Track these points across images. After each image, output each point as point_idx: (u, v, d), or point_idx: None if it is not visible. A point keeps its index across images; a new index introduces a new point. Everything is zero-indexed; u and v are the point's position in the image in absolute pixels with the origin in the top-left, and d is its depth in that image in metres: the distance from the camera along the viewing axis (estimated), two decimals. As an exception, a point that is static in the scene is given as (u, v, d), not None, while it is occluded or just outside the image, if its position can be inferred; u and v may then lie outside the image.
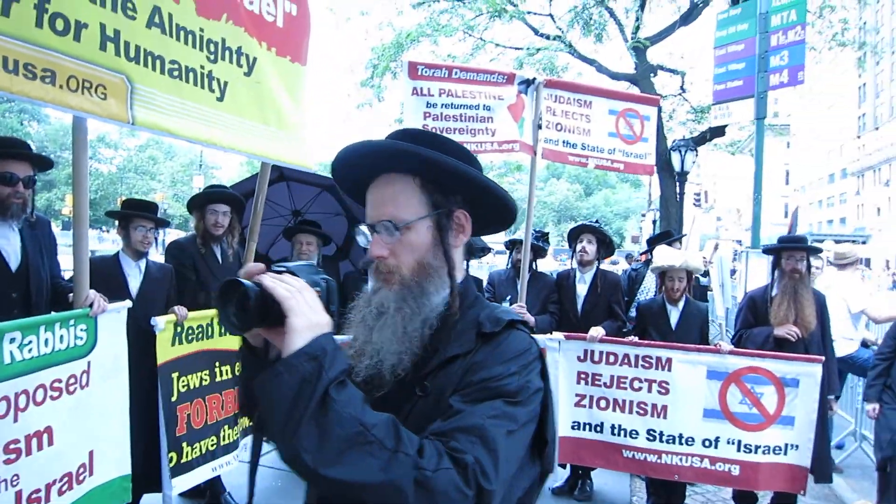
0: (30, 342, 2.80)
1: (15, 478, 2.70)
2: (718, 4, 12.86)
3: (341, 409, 1.02)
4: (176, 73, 3.40)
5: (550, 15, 15.33)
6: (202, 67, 3.57)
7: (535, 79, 5.19)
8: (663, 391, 4.63)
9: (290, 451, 1.02)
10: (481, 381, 1.19)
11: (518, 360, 1.24)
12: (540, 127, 5.23)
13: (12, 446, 2.69)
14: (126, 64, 3.09)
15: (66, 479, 3.00)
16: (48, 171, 3.47)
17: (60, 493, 2.97)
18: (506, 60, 15.34)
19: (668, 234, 7.45)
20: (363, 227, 1.36)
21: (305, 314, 1.09)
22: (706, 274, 10.66)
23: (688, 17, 14.49)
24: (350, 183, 1.46)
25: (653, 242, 6.92)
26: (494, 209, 1.42)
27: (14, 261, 3.15)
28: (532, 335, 1.34)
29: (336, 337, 1.13)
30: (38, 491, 2.82)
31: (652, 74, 15.14)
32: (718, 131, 14.39)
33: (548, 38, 14.97)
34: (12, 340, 2.72)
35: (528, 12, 15.11)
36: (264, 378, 1.05)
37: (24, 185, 3.14)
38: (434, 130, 5.04)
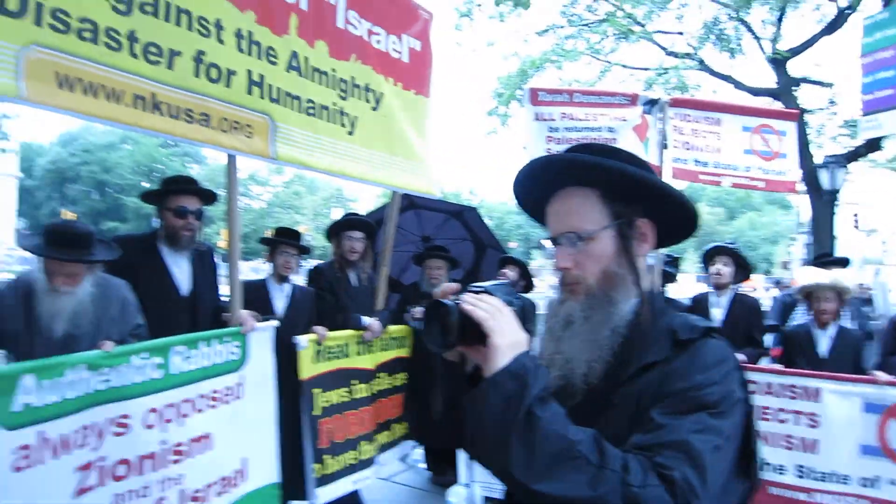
0: (193, 355, 3.14)
1: (181, 476, 3.01)
2: (868, 9, 11.92)
3: (546, 425, 1.06)
4: (311, 111, 3.72)
5: (680, 32, 14.93)
6: (334, 104, 3.88)
7: (659, 98, 5.13)
8: (813, 424, 4.28)
9: (500, 466, 1.08)
10: (681, 392, 1.17)
11: (718, 369, 1.20)
12: (665, 147, 5.14)
13: (177, 448, 3.01)
14: (269, 105, 3.43)
15: (223, 482, 3.28)
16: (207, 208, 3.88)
17: (218, 494, 3.26)
18: (632, 82, 15.08)
19: (827, 255, 6.93)
20: (545, 241, 1.41)
21: (506, 333, 1.15)
22: (868, 302, 9.72)
23: (834, 26, 13.55)
24: (529, 200, 1.50)
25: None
26: (676, 218, 1.41)
27: (185, 287, 3.54)
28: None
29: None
30: (199, 490, 3.12)
31: (795, 88, 14.25)
32: (874, 146, 13.21)
33: (678, 56, 14.55)
34: (178, 353, 3.06)
35: (657, 31, 14.80)
36: (471, 397, 1.12)
37: (195, 217, 3.54)
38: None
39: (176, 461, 2.98)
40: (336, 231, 4.62)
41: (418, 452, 5.73)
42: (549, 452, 1.05)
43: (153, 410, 2.89)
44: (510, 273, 5.49)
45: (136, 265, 3.32)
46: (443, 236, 6.29)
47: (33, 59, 2.48)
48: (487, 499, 4.05)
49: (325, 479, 4.04)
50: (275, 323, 3.71)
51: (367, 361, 4.49)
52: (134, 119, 2.84)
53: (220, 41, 3.20)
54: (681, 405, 1.15)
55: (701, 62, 14.38)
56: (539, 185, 1.42)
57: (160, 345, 2.99)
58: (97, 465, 2.64)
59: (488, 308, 1.16)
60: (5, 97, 2.46)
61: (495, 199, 71.42)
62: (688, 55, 14.35)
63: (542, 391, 1.10)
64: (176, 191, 3.56)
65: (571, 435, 1.07)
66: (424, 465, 5.76)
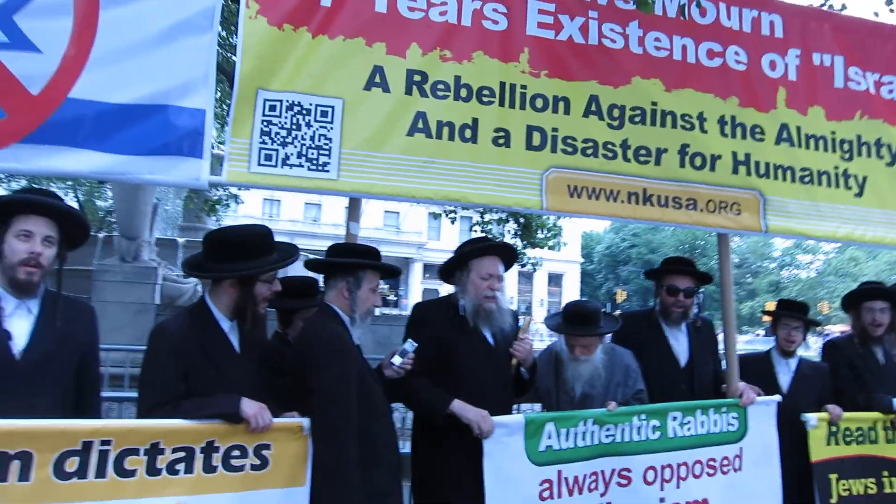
0: (688, 422, 3.37)
1: (678, 537, 3.24)
2: None
3: None
4: (807, 179, 3.63)
5: None
6: (836, 168, 3.69)
7: None
8: None
9: None
10: None
11: None
12: None
13: (677, 508, 3.25)
14: (757, 180, 3.53)
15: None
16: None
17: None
18: None
19: None
20: None
21: None
22: None
23: None
24: None
25: None
26: None
27: (683, 358, 3.81)
28: None
29: None
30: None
31: None
32: None
33: None
34: (674, 419, 3.34)
35: None
36: None
37: (686, 295, 3.80)
38: None
39: (676, 521, 3.23)
40: (855, 302, 4.19)
41: None
42: None
43: (651, 468, 3.22)
44: None
45: (640, 337, 3.76)
46: None
47: (551, 178, 3.25)
48: None
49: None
50: (777, 398, 3.64)
51: (901, 451, 3.87)
52: (629, 213, 3.36)
53: (703, 131, 3.50)
54: None
55: None
56: None
57: (658, 409, 3.34)
58: (604, 509, 3.11)
59: None
60: (534, 210, 3.30)
61: None
62: None
63: None
64: (670, 271, 3.89)
65: None
66: None
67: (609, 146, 3.36)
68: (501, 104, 3.25)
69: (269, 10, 3.02)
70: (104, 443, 2.27)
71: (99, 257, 8.98)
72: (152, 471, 2.33)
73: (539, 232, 12.43)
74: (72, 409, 2.45)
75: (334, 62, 3.09)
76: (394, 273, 3.10)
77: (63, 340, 2.44)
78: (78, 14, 2.81)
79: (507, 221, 12.49)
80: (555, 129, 3.29)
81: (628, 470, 3.20)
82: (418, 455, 3.21)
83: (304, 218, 47.27)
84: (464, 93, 3.21)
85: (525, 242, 12.61)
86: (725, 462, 3.43)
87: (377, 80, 3.12)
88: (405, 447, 3.14)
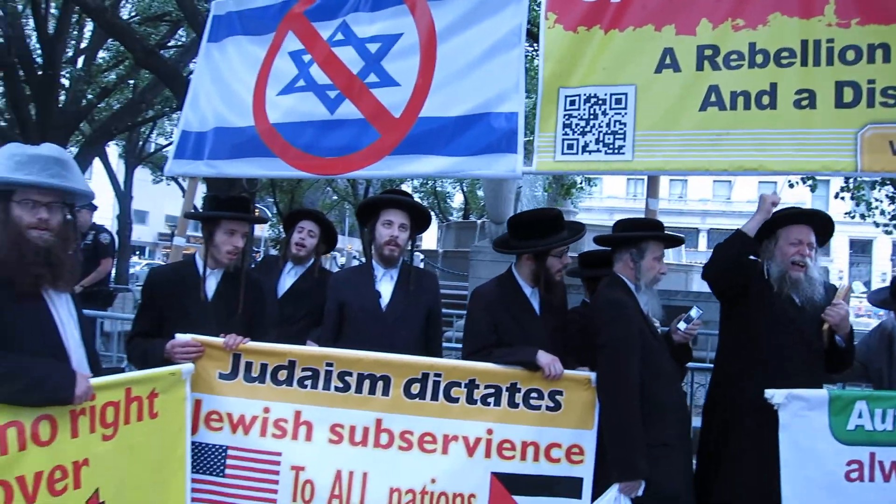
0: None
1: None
2: None
3: None
4: None
5: None
6: None
7: None
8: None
9: None
10: None
11: None
12: None
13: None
14: None
15: None
16: None
17: None
18: None
19: None
20: None
21: None
22: None
23: None
24: None
25: None
26: None
27: None
28: None
29: None
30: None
31: None
32: None
33: None
34: None
35: None
36: None
37: None
38: None
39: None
40: None
41: None
42: None
43: None
44: None
45: None
46: None
47: (868, 136, 2.96)
48: None
49: None
50: None
51: None
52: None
53: None
54: None
55: None
56: None
57: None
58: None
59: None
60: (846, 172, 3.07)
61: None
62: None
63: None
64: None
65: None
66: None
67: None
68: (804, 64, 3.08)
69: (565, 18, 3.45)
70: (437, 375, 3.01)
71: (476, 240, 10.70)
72: (470, 400, 3.00)
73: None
74: (421, 349, 3.28)
75: (625, 52, 3.37)
76: (676, 242, 3.23)
77: (414, 299, 3.30)
78: (422, 52, 3.69)
79: (885, 185, 10.22)
80: (871, 82, 2.96)
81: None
82: (706, 432, 3.23)
83: (713, 197, 44.91)
84: (759, 59, 3.15)
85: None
86: None
87: (667, 61, 3.29)
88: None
